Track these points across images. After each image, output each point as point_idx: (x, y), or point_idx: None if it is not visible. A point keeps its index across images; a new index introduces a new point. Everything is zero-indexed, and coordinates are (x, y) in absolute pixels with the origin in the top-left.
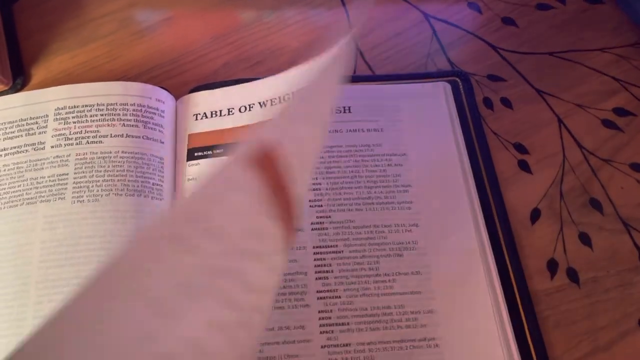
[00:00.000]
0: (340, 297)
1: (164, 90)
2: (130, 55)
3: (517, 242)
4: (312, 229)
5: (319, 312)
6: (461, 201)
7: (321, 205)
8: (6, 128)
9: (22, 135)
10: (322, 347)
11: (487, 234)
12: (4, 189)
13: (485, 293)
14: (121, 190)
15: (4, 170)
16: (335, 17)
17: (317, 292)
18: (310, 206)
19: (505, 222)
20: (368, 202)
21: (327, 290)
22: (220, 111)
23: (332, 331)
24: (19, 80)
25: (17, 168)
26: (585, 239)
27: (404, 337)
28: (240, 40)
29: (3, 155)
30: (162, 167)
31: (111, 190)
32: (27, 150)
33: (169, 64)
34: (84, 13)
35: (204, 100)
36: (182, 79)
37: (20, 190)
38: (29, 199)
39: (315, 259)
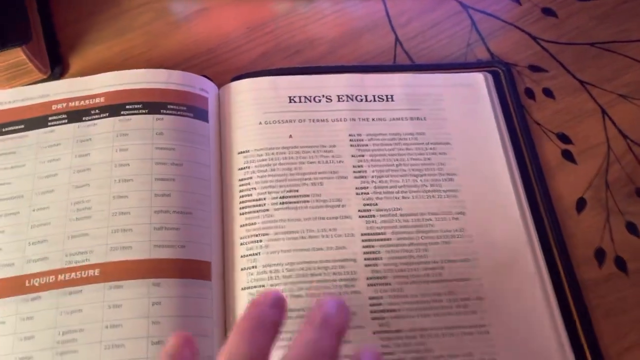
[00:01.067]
0: (390, 284)
1: (207, 79)
2: (166, 45)
3: (564, 231)
4: (360, 217)
5: (370, 298)
6: (506, 190)
7: (367, 193)
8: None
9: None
10: (374, 333)
11: (533, 222)
12: None
13: (534, 281)
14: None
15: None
16: (372, 7)
17: (367, 278)
18: (356, 194)
19: (551, 211)
20: (414, 190)
21: (377, 277)
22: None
23: (384, 317)
24: (58, 69)
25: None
26: (632, 228)
27: (455, 324)
28: (277, 31)
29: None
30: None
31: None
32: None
33: (206, 54)
34: (120, 3)
35: (246, 89)
36: (221, 69)
37: None
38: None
39: (363, 246)
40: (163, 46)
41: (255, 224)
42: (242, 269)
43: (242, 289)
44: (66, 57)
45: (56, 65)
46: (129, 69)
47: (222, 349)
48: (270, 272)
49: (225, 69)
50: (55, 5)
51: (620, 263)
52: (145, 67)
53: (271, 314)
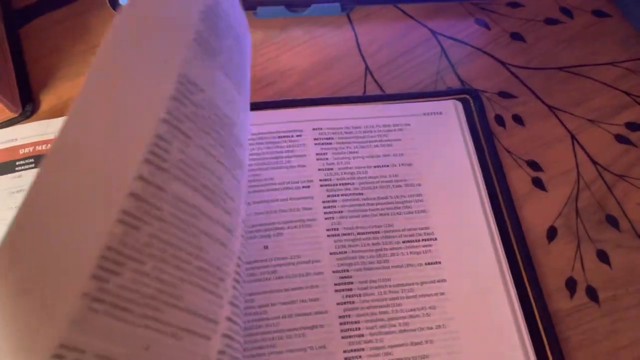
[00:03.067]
0: (355, 302)
1: None
2: None
3: (535, 261)
4: (330, 253)
5: (337, 304)
6: (477, 220)
7: (337, 229)
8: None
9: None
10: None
11: (504, 253)
12: None
13: (505, 313)
14: None
15: None
16: (342, 36)
17: (340, 317)
18: (327, 235)
19: (521, 240)
20: (386, 221)
21: (350, 323)
22: None
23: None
24: (29, 107)
25: None
26: (603, 256)
27: (426, 352)
28: (252, 61)
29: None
30: None
31: None
32: None
33: None
34: (91, 37)
35: None
36: None
37: None
38: None
39: (338, 304)
40: None
41: None
42: None
43: None
44: (37, 94)
45: (27, 103)
46: None
47: None
48: None
49: None
50: (26, 43)
51: (592, 293)
52: None
53: None
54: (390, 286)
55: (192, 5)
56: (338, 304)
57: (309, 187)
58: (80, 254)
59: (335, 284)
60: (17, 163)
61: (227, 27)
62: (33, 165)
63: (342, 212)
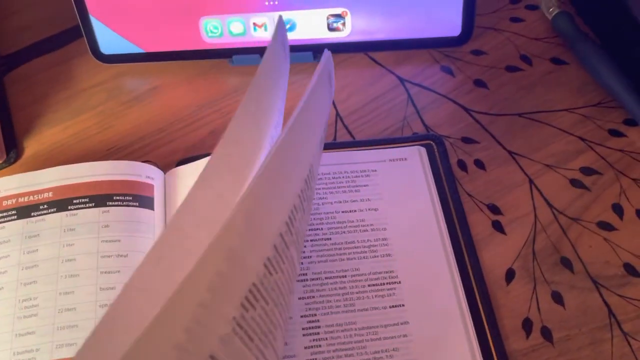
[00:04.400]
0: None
1: (152, 166)
2: (120, 125)
3: (494, 302)
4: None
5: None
6: (439, 263)
7: (306, 274)
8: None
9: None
10: None
11: (464, 294)
12: None
13: (465, 354)
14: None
15: None
16: None
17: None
18: (297, 280)
19: (481, 282)
20: (352, 265)
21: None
22: None
23: None
24: (13, 153)
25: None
26: (557, 297)
27: None
28: (226, 108)
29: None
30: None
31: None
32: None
33: (158, 133)
34: (75, 84)
35: (190, 173)
36: (171, 148)
37: None
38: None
39: (305, 348)
40: (116, 126)
41: None
42: None
43: None
44: (21, 141)
45: (11, 149)
46: (84, 150)
47: None
48: None
49: (175, 148)
50: (11, 89)
51: (546, 333)
52: (98, 150)
53: None
54: (355, 329)
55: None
56: (305, 347)
57: None
58: (239, 287)
59: (303, 328)
60: (0, 215)
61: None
62: (15, 217)
63: (310, 257)
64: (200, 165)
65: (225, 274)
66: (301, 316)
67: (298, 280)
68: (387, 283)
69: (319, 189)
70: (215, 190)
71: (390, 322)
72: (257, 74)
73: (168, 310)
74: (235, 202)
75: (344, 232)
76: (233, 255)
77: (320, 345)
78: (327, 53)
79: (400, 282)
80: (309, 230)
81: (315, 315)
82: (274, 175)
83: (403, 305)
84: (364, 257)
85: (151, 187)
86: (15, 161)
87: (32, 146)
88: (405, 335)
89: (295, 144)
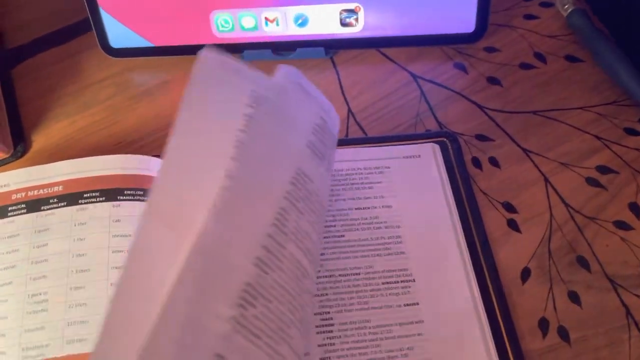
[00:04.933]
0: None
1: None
2: (128, 120)
3: (509, 302)
4: (315, 314)
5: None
6: (454, 262)
7: (319, 271)
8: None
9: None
10: None
11: (479, 293)
12: None
13: (481, 354)
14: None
15: None
16: (326, 79)
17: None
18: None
19: (496, 282)
20: (366, 263)
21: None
22: None
23: None
24: (20, 147)
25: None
26: (574, 297)
27: None
28: None
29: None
30: None
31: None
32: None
33: (167, 128)
34: (83, 78)
35: None
36: None
37: None
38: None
39: (319, 346)
40: (125, 121)
41: None
42: None
43: None
44: (29, 134)
45: (19, 143)
46: (92, 144)
47: None
48: None
49: None
50: (19, 82)
51: (563, 333)
52: (107, 144)
53: None
54: (369, 327)
55: (310, 121)
56: (319, 345)
57: None
58: (229, 285)
59: (317, 326)
60: (10, 208)
61: (331, 140)
62: (25, 210)
63: (324, 254)
64: None
65: (207, 272)
66: (315, 314)
67: None
68: (401, 281)
69: (332, 185)
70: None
71: (404, 320)
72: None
73: (162, 308)
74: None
75: (358, 230)
76: (211, 255)
77: (334, 344)
78: (282, 69)
79: (414, 281)
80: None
81: (329, 313)
82: (241, 183)
83: (418, 303)
84: (377, 255)
85: None
86: (22, 155)
87: (39, 140)
88: (420, 334)
89: (259, 155)
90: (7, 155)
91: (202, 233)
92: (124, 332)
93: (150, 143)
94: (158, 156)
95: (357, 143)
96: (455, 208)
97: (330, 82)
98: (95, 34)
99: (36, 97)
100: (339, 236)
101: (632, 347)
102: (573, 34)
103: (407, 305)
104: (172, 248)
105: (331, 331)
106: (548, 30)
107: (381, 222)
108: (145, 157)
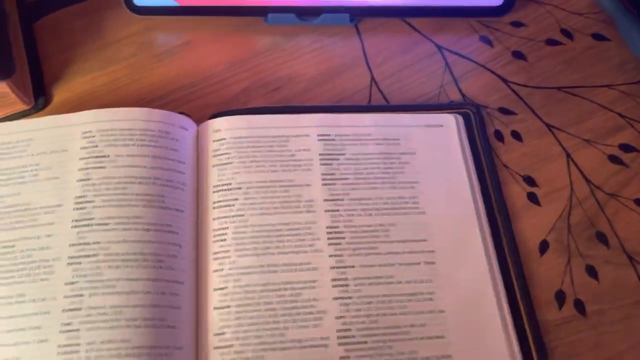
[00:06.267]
0: (356, 306)
1: (186, 117)
2: (150, 78)
3: (526, 273)
4: (329, 256)
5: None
6: (473, 230)
7: (337, 227)
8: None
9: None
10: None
11: (497, 263)
12: None
13: (497, 324)
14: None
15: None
16: (350, 46)
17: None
18: (327, 232)
19: (515, 253)
20: (387, 221)
21: (345, 331)
22: None
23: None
24: (41, 100)
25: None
26: (591, 271)
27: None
28: (259, 66)
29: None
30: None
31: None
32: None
33: (188, 88)
34: (105, 36)
35: (223, 126)
36: (202, 103)
37: None
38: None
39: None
40: (146, 79)
41: (229, 257)
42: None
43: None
44: (50, 88)
45: (40, 96)
46: (112, 101)
47: None
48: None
49: (206, 103)
50: (40, 36)
51: (580, 305)
52: (128, 100)
53: None
54: (384, 283)
55: None
56: (334, 298)
57: (309, 185)
58: None
59: (333, 280)
60: None
61: None
62: None
63: (338, 210)
64: (233, 120)
65: None
66: (331, 268)
67: (329, 239)
68: (419, 249)
69: (351, 147)
70: None
71: (422, 278)
72: None
73: None
74: None
75: (377, 189)
76: None
77: (351, 297)
78: None
79: (433, 252)
80: (342, 185)
81: (344, 264)
82: None
83: (435, 267)
84: (395, 215)
85: (184, 137)
86: (43, 108)
87: (61, 94)
88: (431, 294)
89: None
90: (28, 107)
91: None
92: None
93: (173, 102)
94: (182, 113)
95: (379, 110)
96: (476, 179)
97: (354, 49)
98: None
99: (58, 52)
100: (357, 198)
101: None
102: (601, 12)
103: (426, 263)
104: None
105: (347, 285)
106: (576, 7)
107: (397, 183)
108: (169, 112)
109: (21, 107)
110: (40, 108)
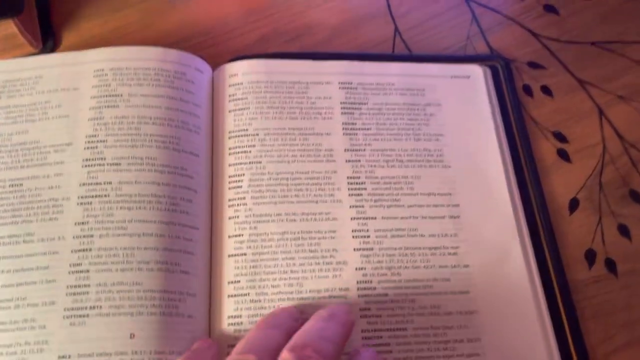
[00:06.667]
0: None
1: (202, 60)
2: (162, 24)
3: (555, 231)
4: (350, 206)
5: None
6: (499, 185)
7: (359, 177)
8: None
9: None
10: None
11: (525, 220)
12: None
13: (524, 281)
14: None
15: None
16: None
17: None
18: (348, 183)
19: (544, 210)
20: (412, 173)
21: (366, 283)
22: None
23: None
24: (50, 43)
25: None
26: (624, 230)
27: (442, 322)
28: (277, 15)
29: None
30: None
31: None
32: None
33: (202, 35)
34: None
35: (240, 71)
36: (217, 51)
37: None
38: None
39: (353, 235)
40: (159, 25)
41: (245, 204)
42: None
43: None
44: (59, 32)
45: (48, 39)
46: (124, 45)
47: (242, 339)
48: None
49: (221, 51)
50: None
51: (611, 265)
52: (141, 44)
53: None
54: (407, 236)
55: None
56: (355, 249)
57: (330, 134)
58: None
59: (354, 230)
60: None
61: None
62: None
63: (359, 160)
64: (251, 64)
65: None
66: (351, 219)
67: (350, 189)
68: (444, 203)
69: (377, 96)
70: None
71: (447, 232)
72: None
73: None
74: None
75: (401, 140)
76: None
77: (372, 248)
78: None
79: (458, 205)
80: (364, 135)
81: (365, 215)
82: None
83: (459, 221)
84: (420, 167)
85: (200, 80)
86: (52, 51)
87: (69, 38)
88: (456, 248)
89: None
90: (36, 50)
91: None
92: None
93: (186, 49)
94: (199, 56)
95: (402, 60)
96: (504, 133)
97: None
98: None
99: None
100: (378, 149)
101: None
102: None
103: (451, 217)
104: None
105: (368, 236)
106: None
107: (422, 135)
108: (186, 53)
109: (29, 49)
110: (48, 51)
